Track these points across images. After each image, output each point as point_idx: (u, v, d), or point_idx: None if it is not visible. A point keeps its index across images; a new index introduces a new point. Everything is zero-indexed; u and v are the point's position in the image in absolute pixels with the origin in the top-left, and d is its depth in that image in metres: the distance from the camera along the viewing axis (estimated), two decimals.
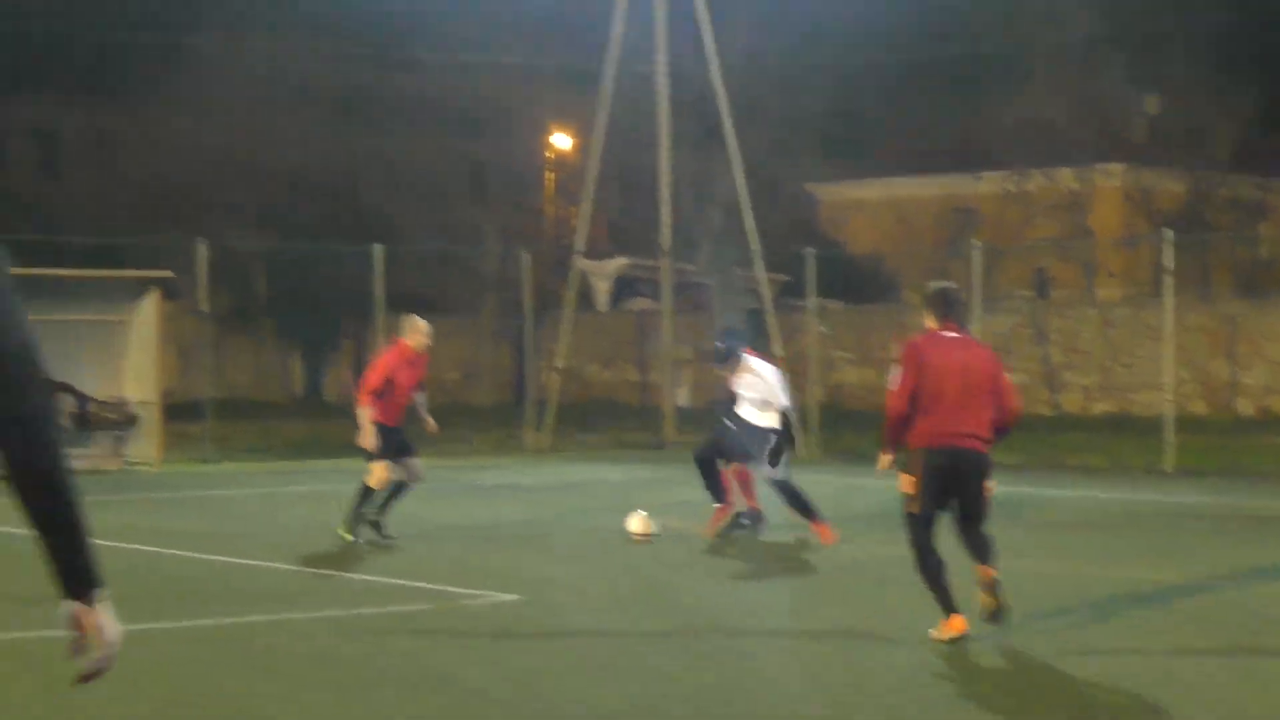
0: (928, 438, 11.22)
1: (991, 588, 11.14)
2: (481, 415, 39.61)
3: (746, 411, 16.84)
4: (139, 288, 26.34)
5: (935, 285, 12.00)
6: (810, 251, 32.08)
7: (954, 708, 9.27)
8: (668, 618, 12.19)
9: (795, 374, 33.61)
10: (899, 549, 15.03)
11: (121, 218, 51.09)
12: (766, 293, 32.07)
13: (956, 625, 11.02)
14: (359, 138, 51.11)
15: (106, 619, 3.69)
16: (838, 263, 48.13)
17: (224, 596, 13.26)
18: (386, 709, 9.02)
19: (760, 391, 16.78)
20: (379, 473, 16.41)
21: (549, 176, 54.18)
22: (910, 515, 11.32)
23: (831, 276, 39.30)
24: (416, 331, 16.86)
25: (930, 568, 11.24)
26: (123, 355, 26.27)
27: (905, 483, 11.32)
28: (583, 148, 48.42)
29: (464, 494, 22.33)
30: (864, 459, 28.80)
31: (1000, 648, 10.86)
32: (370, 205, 49.45)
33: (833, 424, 32.19)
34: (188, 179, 49.89)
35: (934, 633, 11.05)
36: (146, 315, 26.01)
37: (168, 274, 28.97)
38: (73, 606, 3.68)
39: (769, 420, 16.70)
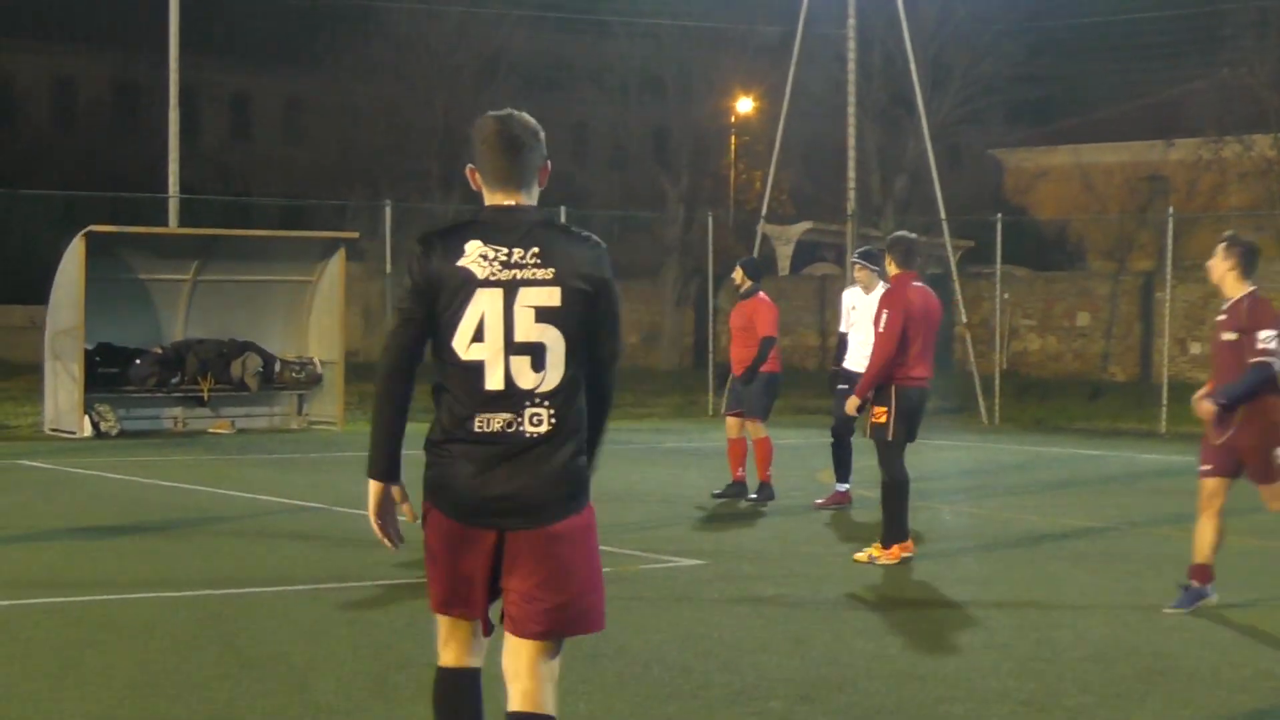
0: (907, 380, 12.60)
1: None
2: (662, 379, 39.57)
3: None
4: (326, 249, 26.52)
5: (900, 233, 13.27)
6: (998, 218, 31.62)
7: (1146, 681, 8.99)
8: (852, 586, 11.99)
9: (979, 341, 33.25)
10: (1080, 519, 14.73)
11: (309, 180, 51.81)
12: (951, 259, 31.67)
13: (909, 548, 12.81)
14: (544, 102, 51.21)
15: None
16: (1023, 229, 47.46)
17: (403, 556, 13.24)
18: (561, 675, 8.90)
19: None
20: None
21: (732, 140, 53.98)
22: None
23: (1016, 243, 38.73)
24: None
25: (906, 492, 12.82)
26: (308, 315, 26.50)
27: (879, 414, 12.59)
28: (767, 112, 48.20)
29: (643, 457, 22.31)
30: (1045, 428, 28.41)
31: (1189, 624, 10.56)
32: (555, 169, 49.46)
33: (1015, 392, 31.75)
34: (374, 143, 50.33)
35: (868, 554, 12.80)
36: (332, 276, 26.19)
37: (354, 235, 29.27)
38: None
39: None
